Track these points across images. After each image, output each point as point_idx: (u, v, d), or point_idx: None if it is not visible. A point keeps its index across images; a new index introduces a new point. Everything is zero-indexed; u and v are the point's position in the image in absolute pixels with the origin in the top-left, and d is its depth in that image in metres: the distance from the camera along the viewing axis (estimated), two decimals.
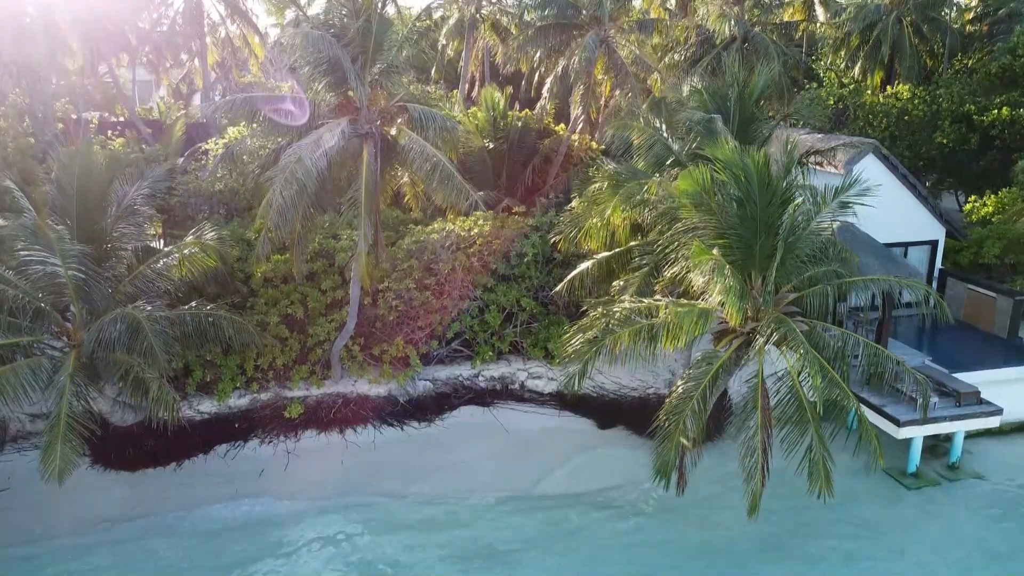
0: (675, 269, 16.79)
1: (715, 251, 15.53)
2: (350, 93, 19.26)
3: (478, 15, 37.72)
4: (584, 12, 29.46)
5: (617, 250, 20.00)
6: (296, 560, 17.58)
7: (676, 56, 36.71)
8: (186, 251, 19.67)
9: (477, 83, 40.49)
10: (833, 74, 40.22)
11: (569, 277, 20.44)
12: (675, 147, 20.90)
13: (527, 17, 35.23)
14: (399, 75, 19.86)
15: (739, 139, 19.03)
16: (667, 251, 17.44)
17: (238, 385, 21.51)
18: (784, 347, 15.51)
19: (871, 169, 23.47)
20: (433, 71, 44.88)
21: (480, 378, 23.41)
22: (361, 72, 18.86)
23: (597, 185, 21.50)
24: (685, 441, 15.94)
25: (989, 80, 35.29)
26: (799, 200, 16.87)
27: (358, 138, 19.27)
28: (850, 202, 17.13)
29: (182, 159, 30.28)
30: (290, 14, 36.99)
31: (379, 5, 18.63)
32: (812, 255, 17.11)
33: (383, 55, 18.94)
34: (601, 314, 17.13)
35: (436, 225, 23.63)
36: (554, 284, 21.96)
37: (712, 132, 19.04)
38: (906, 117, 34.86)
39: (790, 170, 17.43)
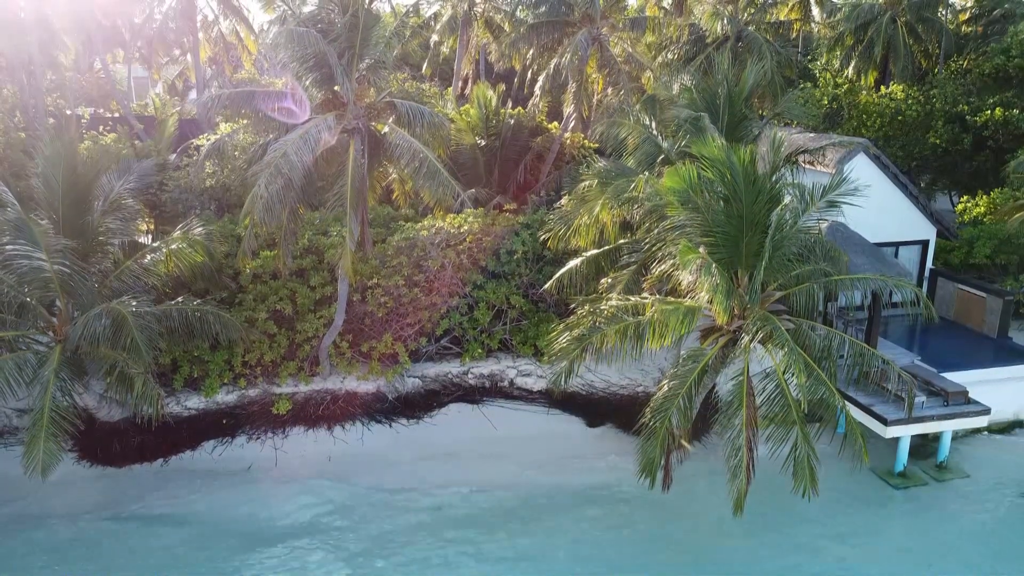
0: (663, 267, 16.75)
1: (701, 249, 15.48)
2: (337, 89, 19.18)
3: (471, 12, 37.63)
4: (576, 9, 29.42)
5: (606, 247, 19.95)
6: (282, 555, 17.52)
7: (669, 55, 36.70)
8: (173, 246, 19.64)
9: (471, 81, 40.40)
10: (828, 74, 40.19)
11: (558, 275, 20.36)
12: (665, 145, 20.88)
13: (520, 14, 35.20)
14: (387, 71, 19.76)
15: (728, 137, 18.98)
16: (654, 249, 17.40)
17: (226, 381, 21.44)
18: (769, 345, 15.47)
19: (862, 168, 23.43)
20: (424, 67, 44.78)
21: (469, 375, 23.34)
22: (348, 67, 18.77)
23: (587, 183, 21.44)
24: (671, 439, 15.93)
25: (983, 80, 35.28)
26: (787, 199, 16.81)
27: (345, 133, 19.19)
28: (838, 201, 17.09)
29: (174, 155, 30.15)
30: (280, 8, 36.84)
31: (366, 0, 18.53)
32: (799, 253, 17.09)
33: (370, 50, 18.86)
34: (588, 312, 17.11)
35: (426, 222, 23.55)
36: (544, 282, 21.90)
37: (700, 130, 19.00)
38: (900, 117, 34.85)
39: (777, 167, 17.39)
